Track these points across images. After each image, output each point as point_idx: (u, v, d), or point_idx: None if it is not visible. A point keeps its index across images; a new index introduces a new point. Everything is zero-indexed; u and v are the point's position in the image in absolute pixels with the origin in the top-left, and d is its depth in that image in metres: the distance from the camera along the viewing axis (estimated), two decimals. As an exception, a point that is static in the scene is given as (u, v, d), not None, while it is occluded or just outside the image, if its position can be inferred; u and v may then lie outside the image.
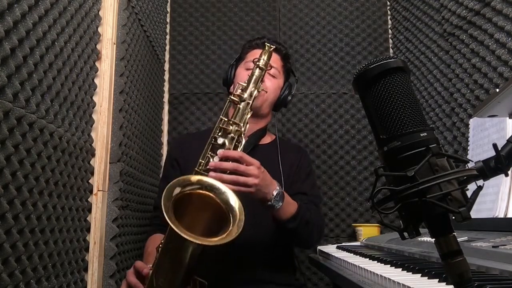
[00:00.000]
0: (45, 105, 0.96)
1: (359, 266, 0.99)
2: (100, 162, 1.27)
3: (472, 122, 1.38)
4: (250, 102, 1.22)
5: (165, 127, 2.15)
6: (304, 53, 2.19)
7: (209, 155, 1.18)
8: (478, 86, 1.43)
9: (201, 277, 1.03)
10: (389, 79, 0.53)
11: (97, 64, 1.28)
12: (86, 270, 1.20)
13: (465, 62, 1.52)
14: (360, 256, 1.22)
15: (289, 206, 1.29)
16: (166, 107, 2.16)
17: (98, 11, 1.30)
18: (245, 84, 1.24)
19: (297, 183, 1.48)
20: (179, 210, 0.98)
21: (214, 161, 1.14)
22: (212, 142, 1.19)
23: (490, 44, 1.36)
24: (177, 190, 1.00)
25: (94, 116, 1.26)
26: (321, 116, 2.14)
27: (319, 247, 1.52)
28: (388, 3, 2.27)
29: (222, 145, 1.17)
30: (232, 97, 1.23)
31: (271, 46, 1.31)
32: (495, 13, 1.33)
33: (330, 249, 1.47)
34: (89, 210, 1.23)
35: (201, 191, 1.04)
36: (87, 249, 1.21)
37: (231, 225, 0.99)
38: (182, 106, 2.16)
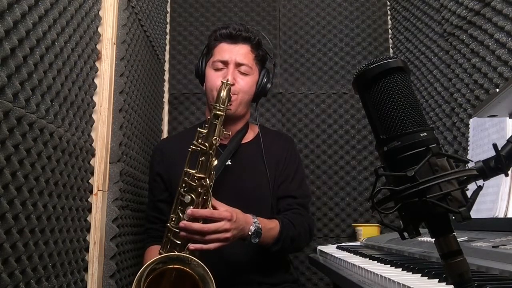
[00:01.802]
0: (45, 105, 0.96)
1: (359, 266, 0.99)
2: (100, 162, 1.27)
3: (472, 122, 1.38)
4: (213, 152, 1.19)
5: (165, 127, 2.15)
6: (304, 53, 2.19)
7: (178, 211, 1.18)
8: (478, 86, 1.43)
9: None
10: (389, 79, 0.53)
11: (97, 64, 1.28)
12: (86, 270, 1.20)
13: (465, 62, 1.52)
14: (360, 256, 1.22)
15: (270, 232, 1.28)
16: (166, 107, 2.16)
17: (98, 11, 1.29)
18: (205, 131, 1.21)
19: (285, 183, 1.44)
20: (155, 284, 1.06)
21: (184, 221, 1.14)
22: (180, 197, 1.18)
23: (490, 44, 1.36)
24: (143, 280, 1.05)
25: (94, 116, 1.26)
26: (321, 116, 2.14)
27: (319, 247, 1.52)
28: (388, 3, 2.27)
29: (190, 202, 1.17)
30: (193, 147, 1.20)
31: (228, 83, 1.25)
32: (495, 13, 1.33)
33: (330, 249, 1.47)
34: (89, 210, 1.23)
35: (171, 266, 1.08)
36: (87, 249, 1.21)
37: None
38: (182, 106, 2.16)
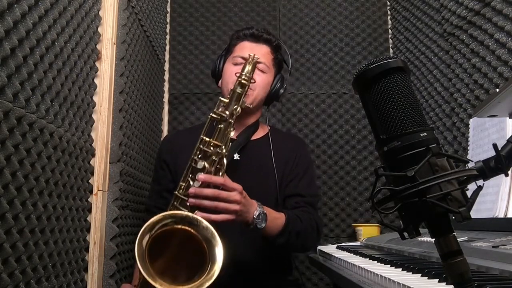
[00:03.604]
0: (45, 105, 0.96)
1: (359, 266, 0.99)
2: (100, 162, 1.27)
3: (472, 122, 1.38)
4: (232, 121, 1.17)
5: (165, 127, 2.15)
6: (304, 53, 2.19)
7: (189, 179, 1.14)
8: (478, 86, 1.43)
9: None
10: (389, 79, 0.53)
11: (97, 64, 1.28)
12: (86, 270, 1.20)
13: (465, 62, 1.52)
14: (360, 256, 1.22)
15: (276, 222, 1.25)
16: (166, 107, 2.16)
17: (98, 11, 1.30)
18: (226, 101, 1.19)
19: (293, 181, 1.42)
20: (157, 247, 0.99)
21: (194, 187, 1.11)
22: (192, 164, 1.15)
23: (490, 44, 1.36)
24: (149, 235, 0.99)
25: (94, 116, 1.26)
26: (321, 116, 2.14)
27: (319, 247, 1.52)
28: (388, 3, 2.27)
29: (203, 169, 1.13)
30: (213, 115, 1.18)
31: (255, 57, 1.24)
32: (495, 13, 1.33)
33: (330, 249, 1.47)
34: (89, 210, 1.23)
35: (178, 226, 1.02)
36: (87, 249, 1.21)
37: (206, 271, 0.98)
38: (182, 106, 2.16)
